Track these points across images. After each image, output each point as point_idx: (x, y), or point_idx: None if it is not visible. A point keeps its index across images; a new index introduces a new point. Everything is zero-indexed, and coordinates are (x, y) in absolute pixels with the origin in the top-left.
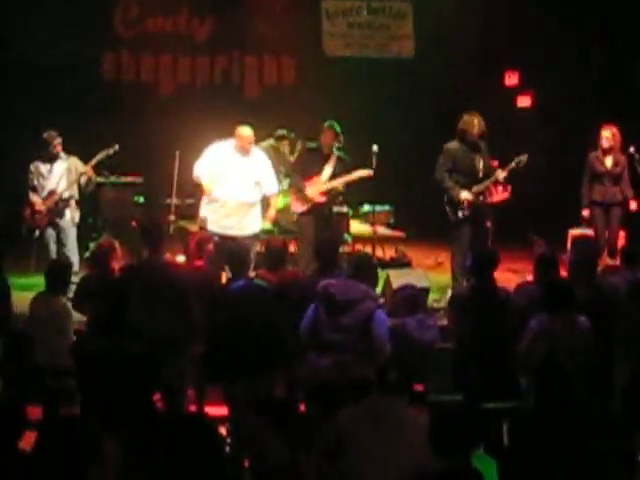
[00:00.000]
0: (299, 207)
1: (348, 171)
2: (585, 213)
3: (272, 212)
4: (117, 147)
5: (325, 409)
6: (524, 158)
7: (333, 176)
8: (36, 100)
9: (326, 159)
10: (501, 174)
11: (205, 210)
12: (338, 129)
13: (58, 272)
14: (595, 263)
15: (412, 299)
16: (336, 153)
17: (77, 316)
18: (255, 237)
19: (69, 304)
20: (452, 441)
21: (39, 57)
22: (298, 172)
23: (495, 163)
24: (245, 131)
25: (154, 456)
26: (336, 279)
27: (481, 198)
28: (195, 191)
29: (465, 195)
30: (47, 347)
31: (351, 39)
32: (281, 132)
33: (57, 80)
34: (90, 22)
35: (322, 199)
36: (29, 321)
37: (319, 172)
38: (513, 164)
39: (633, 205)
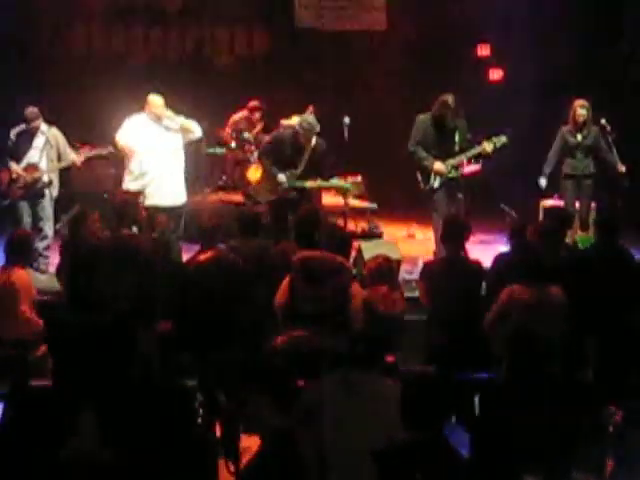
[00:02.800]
0: (265, 196)
1: (322, 163)
2: (542, 182)
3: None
4: (111, 148)
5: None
6: (503, 139)
7: (309, 168)
8: (11, 69)
9: (301, 151)
10: (488, 146)
11: (131, 186)
12: (313, 120)
13: (17, 244)
14: (565, 231)
15: (382, 270)
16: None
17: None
18: (183, 207)
19: (29, 274)
20: (422, 412)
21: (13, 28)
22: (270, 157)
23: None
24: (155, 100)
25: (128, 426)
26: (311, 251)
27: (455, 171)
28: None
29: (438, 166)
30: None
31: (323, 10)
32: (253, 103)
33: (29, 48)
34: None
35: (293, 194)
36: None
37: (294, 162)
38: (497, 141)
39: (622, 168)
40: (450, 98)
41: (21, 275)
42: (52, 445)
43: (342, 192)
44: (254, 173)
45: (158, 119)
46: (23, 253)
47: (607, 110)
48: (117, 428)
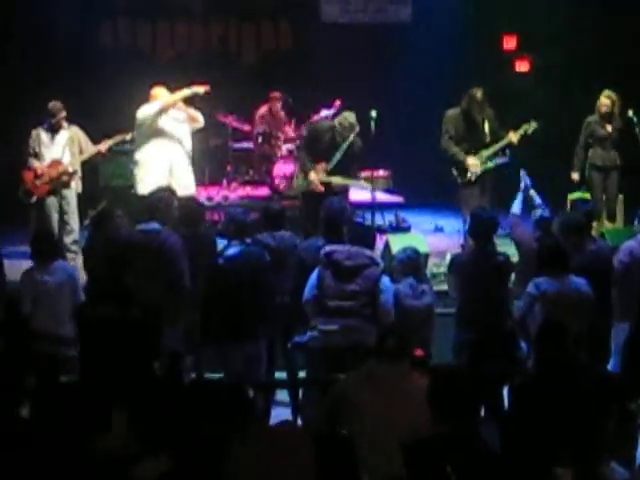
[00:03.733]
0: (300, 187)
1: (356, 161)
2: (574, 176)
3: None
4: (129, 136)
5: (328, 373)
6: (534, 125)
7: (339, 165)
8: (36, 67)
9: (336, 147)
10: (514, 136)
11: (140, 172)
12: (353, 120)
13: (42, 242)
14: (591, 224)
15: (410, 263)
16: (348, 143)
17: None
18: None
19: (72, 268)
20: (451, 406)
21: (38, 24)
22: (307, 151)
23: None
24: (161, 91)
25: (157, 424)
26: (339, 245)
27: (490, 162)
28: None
29: (471, 161)
30: (52, 314)
31: (348, 4)
32: (273, 94)
33: (56, 47)
34: None
35: (321, 189)
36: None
37: (326, 157)
38: (522, 130)
39: None
40: (479, 92)
41: (68, 269)
42: (80, 441)
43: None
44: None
45: (165, 111)
46: (55, 246)
47: (636, 101)
48: (145, 426)
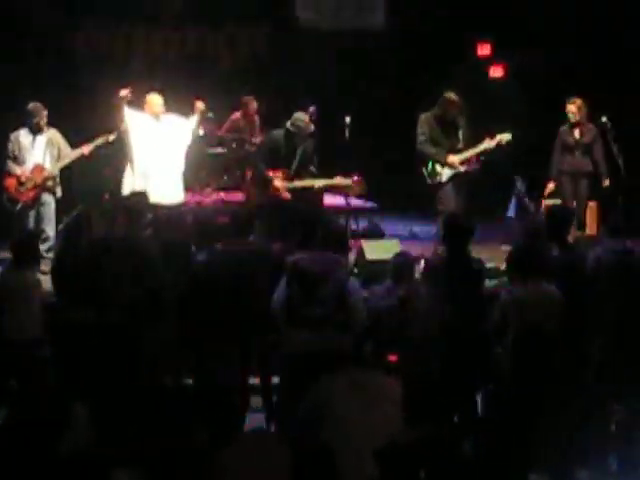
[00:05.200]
0: (260, 198)
1: (310, 162)
2: (550, 185)
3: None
4: (114, 136)
5: (303, 380)
6: (508, 136)
7: (297, 168)
8: (10, 72)
9: (294, 151)
10: (491, 142)
11: (135, 185)
12: (305, 118)
13: (24, 246)
14: (568, 229)
15: (399, 267)
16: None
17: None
18: (179, 206)
19: (37, 276)
20: (425, 411)
21: (10, 29)
22: (262, 159)
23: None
24: (155, 99)
25: (123, 420)
26: (304, 252)
27: (463, 167)
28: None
29: (452, 158)
30: (15, 319)
31: (323, 10)
32: (244, 99)
33: (32, 52)
34: None
35: (287, 196)
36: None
37: (287, 164)
38: (497, 139)
39: (606, 182)
40: (454, 96)
41: (30, 277)
42: (49, 441)
43: (344, 191)
44: None
45: (157, 118)
46: (31, 255)
47: (609, 108)
48: (116, 425)
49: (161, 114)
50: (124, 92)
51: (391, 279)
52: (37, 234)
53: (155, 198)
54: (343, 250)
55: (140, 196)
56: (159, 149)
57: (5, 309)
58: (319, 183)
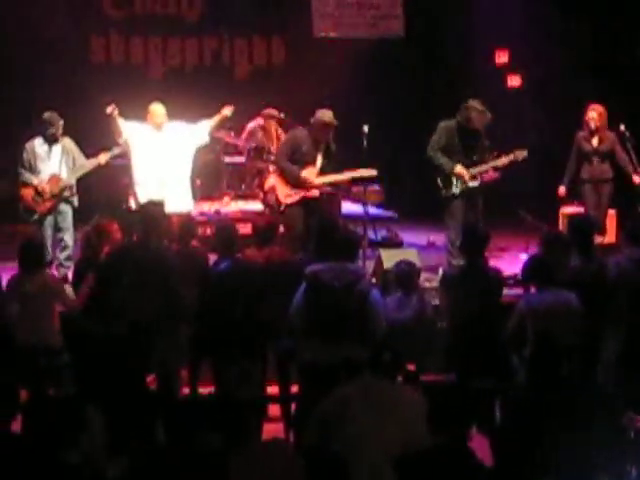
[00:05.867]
0: (289, 197)
1: (333, 160)
2: (561, 191)
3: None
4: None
5: (319, 389)
6: (525, 153)
7: (323, 165)
8: (25, 82)
9: (317, 149)
10: (504, 160)
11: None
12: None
13: (33, 251)
14: (593, 239)
15: (403, 276)
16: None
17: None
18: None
19: (51, 282)
20: (442, 421)
21: (28, 37)
22: (287, 157)
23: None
24: (157, 109)
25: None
26: (323, 264)
27: (475, 181)
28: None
29: (459, 169)
30: (35, 326)
31: (340, 19)
32: (269, 111)
33: (46, 61)
34: (78, 3)
35: (315, 193)
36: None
37: (312, 162)
38: (512, 156)
39: (637, 179)
40: (479, 104)
41: (42, 282)
42: (67, 445)
43: (362, 199)
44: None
45: (158, 128)
46: (35, 259)
47: (627, 115)
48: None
49: (163, 123)
50: (109, 109)
51: (400, 289)
52: (40, 240)
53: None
54: (355, 258)
55: (156, 205)
56: (161, 159)
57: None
58: (343, 177)
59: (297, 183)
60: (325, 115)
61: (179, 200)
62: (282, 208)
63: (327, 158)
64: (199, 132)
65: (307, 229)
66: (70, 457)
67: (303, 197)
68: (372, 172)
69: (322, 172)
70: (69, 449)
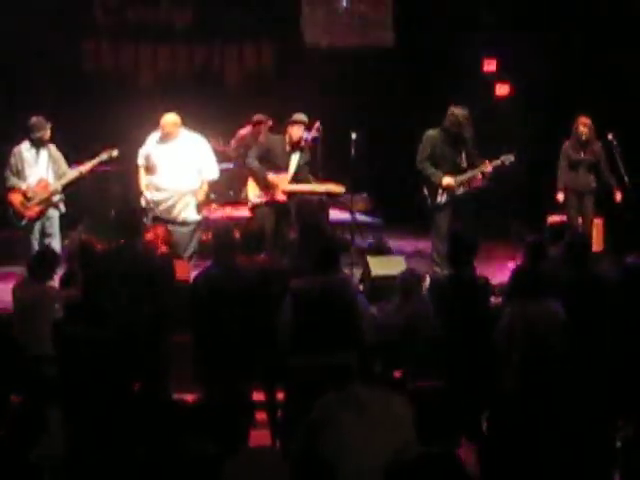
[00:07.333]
0: (256, 197)
1: (308, 169)
2: (560, 196)
3: (200, 195)
4: (117, 152)
5: (307, 396)
6: (511, 157)
7: (297, 173)
8: (13, 87)
9: (290, 155)
10: (489, 166)
11: (153, 196)
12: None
13: (44, 261)
14: (588, 249)
15: (407, 284)
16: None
17: None
18: (194, 224)
19: (54, 291)
20: (430, 428)
21: (18, 44)
22: (256, 158)
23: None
24: (165, 118)
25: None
26: (308, 275)
27: (463, 188)
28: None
29: (447, 180)
30: (34, 335)
31: (330, 27)
32: (257, 117)
33: (36, 68)
34: (69, 9)
35: (283, 198)
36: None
37: (284, 167)
38: (499, 161)
39: (618, 196)
40: (463, 110)
41: (49, 291)
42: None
43: (348, 205)
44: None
45: (168, 137)
46: (49, 270)
47: (615, 124)
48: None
49: (173, 133)
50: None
51: (400, 296)
52: (53, 252)
53: (168, 215)
54: (339, 266)
55: (134, 212)
56: (168, 168)
57: (20, 323)
58: (311, 189)
59: (264, 186)
60: (295, 115)
61: (186, 210)
62: (249, 206)
63: (300, 165)
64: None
65: (278, 232)
66: (30, 457)
67: (269, 200)
68: (340, 189)
69: (296, 179)
70: (30, 449)
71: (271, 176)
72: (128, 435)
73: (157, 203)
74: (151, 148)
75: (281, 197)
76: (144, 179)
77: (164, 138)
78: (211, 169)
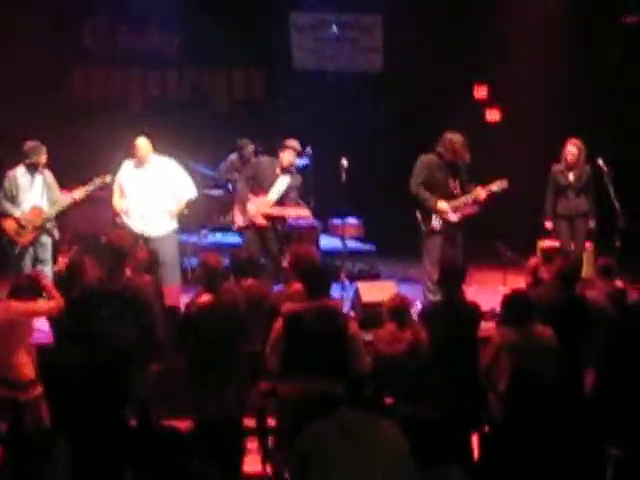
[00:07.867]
0: (239, 220)
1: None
2: (548, 225)
3: (176, 207)
4: (109, 178)
5: (299, 424)
6: (505, 184)
7: (285, 195)
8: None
9: (275, 179)
10: (482, 193)
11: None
12: (293, 143)
13: (22, 287)
14: (578, 275)
15: (397, 310)
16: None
17: None
18: (172, 235)
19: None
20: (421, 455)
21: (7, 69)
22: (247, 182)
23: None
24: (140, 142)
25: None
26: (299, 302)
27: (457, 214)
28: None
29: (442, 206)
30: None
31: (320, 52)
32: (241, 142)
33: (26, 94)
34: (59, 36)
35: (262, 222)
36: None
37: (267, 190)
38: (494, 187)
39: (592, 223)
40: (459, 136)
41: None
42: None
43: (340, 233)
44: None
45: (142, 162)
46: (32, 293)
47: (606, 149)
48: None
49: (146, 157)
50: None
51: (393, 322)
52: (37, 277)
53: (144, 230)
54: (328, 289)
55: (124, 236)
56: (141, 192)
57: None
58: (285, 213)
59: (244, 209)
60: (287, 140)
61: (160, 226)
62: (234, 229)
63: (290, 187)
64: (185, 189)
65: (267, 255)
66: None
67: (249, 224)
68: (307, 213)
69: (283, 202)
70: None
71: (251, 200)
72: (119, 460)
73: (134, 227)
74: (126, 175)
75: (260, 221)
76: (119, 203)
77: (139, 163)
78: (188, 189)
